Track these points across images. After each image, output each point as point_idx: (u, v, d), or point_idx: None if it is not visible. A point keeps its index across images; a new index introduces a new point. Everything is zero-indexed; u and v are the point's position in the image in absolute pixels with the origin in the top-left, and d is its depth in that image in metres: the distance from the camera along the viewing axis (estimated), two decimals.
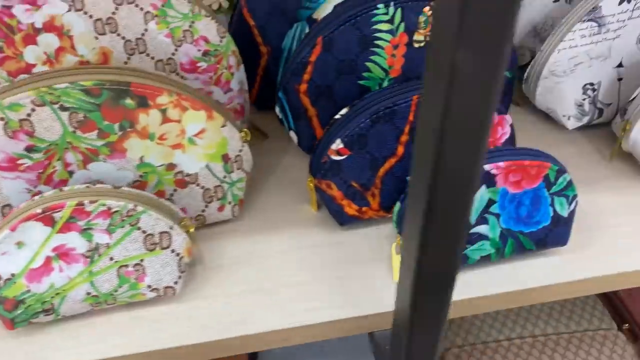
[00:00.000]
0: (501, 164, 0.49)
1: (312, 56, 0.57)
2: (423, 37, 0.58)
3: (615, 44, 0.62)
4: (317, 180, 0.53)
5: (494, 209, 0.50)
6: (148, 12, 0.53)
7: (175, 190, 0.54)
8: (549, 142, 0.67)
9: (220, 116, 0.51)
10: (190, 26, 0.55)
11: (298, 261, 0.54)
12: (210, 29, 0.56)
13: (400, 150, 0.54)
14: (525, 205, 0.51)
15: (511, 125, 0.56)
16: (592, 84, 0.64)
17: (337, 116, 0.53)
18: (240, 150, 0.54)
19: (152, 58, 0.55)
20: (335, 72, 0.58)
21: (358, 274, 0.53)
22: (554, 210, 0.52)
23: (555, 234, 0.53)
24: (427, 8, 0.57)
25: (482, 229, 0.51)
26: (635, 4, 0.61)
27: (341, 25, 0.56)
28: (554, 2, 0.70)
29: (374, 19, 0.56)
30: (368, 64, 0.58)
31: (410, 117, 0.52)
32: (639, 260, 0.55)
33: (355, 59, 0.58)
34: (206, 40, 0.56)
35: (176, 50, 0.55)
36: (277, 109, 0.61)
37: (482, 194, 0.49)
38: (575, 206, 0.52)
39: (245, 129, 0.55)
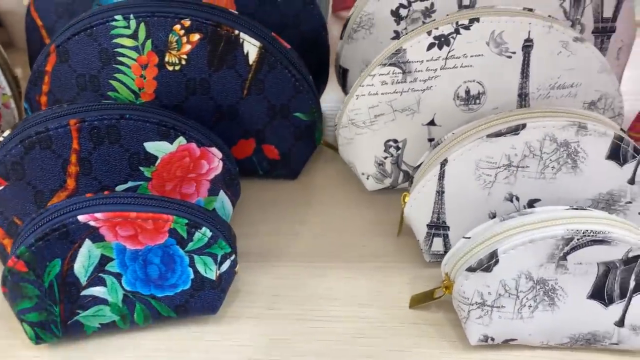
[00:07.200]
0: (99, 215, 0.41)
1: (48, 65, 0.51)
2: (177, 59, 0.50)
3: (425, 97, 0.51)
4: None
5: (112, 267, 0.43)
6: None
7: None
8: (346, 204, 0.56)
9: None
10: None
11: None
12: None
13: (71, 183, 0.45)
14: (155, 264, 0.43)
15: (223, 159, 0.47)
16: (395, 141, 0.53)
17: (0, 138, 0.46)
18: None
19: None
20: (75, 87, 0.51)
21: None
22: (196, 272, 0.44)
23: (201, 299, 0.45)
24: (178, 27, 0.49)
25: (97, 291, 0.43)
26: (449, 52, 0.50)
27: (75, 35, 0.49)
28: None
29: (113, 32, 0.49)
30: (113, 82, 0.51)
31: (75, 145, 0.44)
32: None
33: (97, 75, 0.51)
34: None
35: None
36: None
37: (89, 249, 0.42)
38: (231, 266, 0.45)
39: None
